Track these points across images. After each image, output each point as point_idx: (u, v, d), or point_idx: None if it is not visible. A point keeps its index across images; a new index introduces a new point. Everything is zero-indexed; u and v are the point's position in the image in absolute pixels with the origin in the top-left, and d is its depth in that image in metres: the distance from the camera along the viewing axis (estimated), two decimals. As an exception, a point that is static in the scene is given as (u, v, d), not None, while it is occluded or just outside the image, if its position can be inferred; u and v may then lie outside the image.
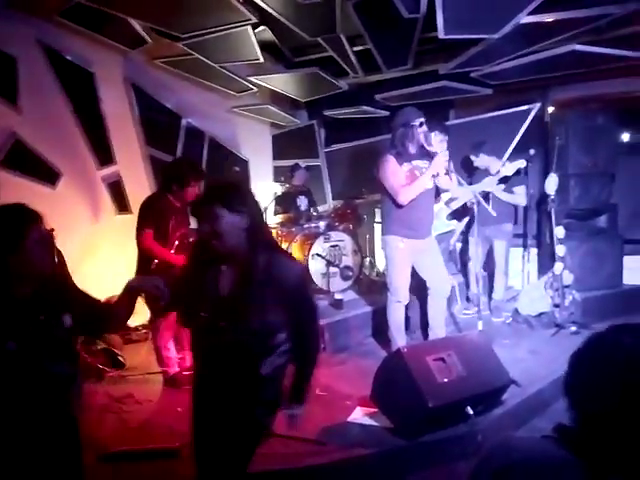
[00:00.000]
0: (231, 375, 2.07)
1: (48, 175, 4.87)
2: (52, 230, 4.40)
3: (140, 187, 5.81)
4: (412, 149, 4.06)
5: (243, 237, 2.01)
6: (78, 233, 5.00)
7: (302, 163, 7.00)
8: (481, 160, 5.38)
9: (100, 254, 5.21)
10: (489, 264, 5.59)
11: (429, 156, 4.13)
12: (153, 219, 3.95)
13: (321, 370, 4.29)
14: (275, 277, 2.02)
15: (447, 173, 4.15)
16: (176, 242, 4.03)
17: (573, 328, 4.96)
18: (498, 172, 5.03)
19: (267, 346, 2.07)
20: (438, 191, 4.52)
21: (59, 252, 4.29)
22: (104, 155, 5.46)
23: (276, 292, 2.01)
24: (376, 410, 3.36)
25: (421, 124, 4.03)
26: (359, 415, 3.47)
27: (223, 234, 1.98)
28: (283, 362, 2.12)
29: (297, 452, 2.97)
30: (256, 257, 2.02)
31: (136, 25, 4.91)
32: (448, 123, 6.49)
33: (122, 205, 5.62)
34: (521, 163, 4.97)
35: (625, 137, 6.18)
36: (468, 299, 5.70)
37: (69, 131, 5.14)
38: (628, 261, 5.71)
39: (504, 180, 5.16)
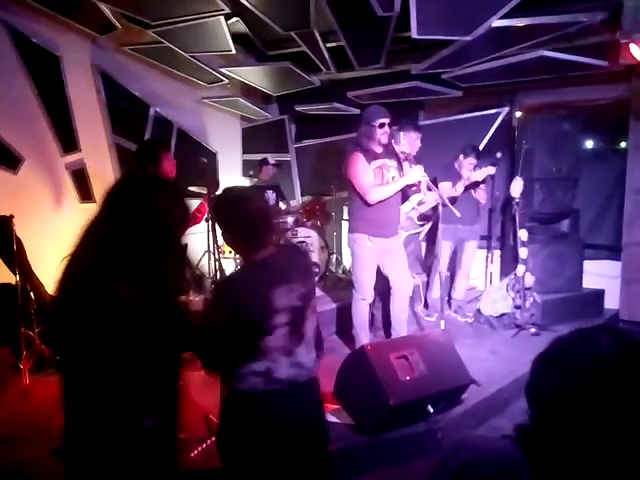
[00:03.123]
0: None
1: (9, 160, 4.74)
2: (12, 216, 4.29)
3: (105, 176, 5.69)
4: (374, 148, 4.07)
5: None
6: (39, 220, 4.87)
7: (271, 159, 6.95)
8: (468, 162, 5.40)
9: (61, 242, 5.06)
10: (453, 264, 5.65)
11: (396, 155, 4.17)
12: None
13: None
14: None
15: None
16: None
17: (533, 330, 5.07)
18: (468, 177, 5.10)
19: None
20: (406, 192, 4.56)
21: (18, 239, 4.19)
22: (68, 142, 5.33)
23: None
24: (338, 407, 3.37)
25: (382, 125, 4.02)
26: (321, 411, 3.47)
27: None
28: None
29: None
30: None
31: (106, 10, 4.79)
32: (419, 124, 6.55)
33: (85, 193, 5.49)
34: (491, 170, 5.05)
35: (589, 144, 6.31)
36: (427, 305, 5.66)
37: (33, 116, 5.00)
38: (588, 265, 5.84)
39: (474, 185, 5.24)
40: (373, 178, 4.05)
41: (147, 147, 4.19)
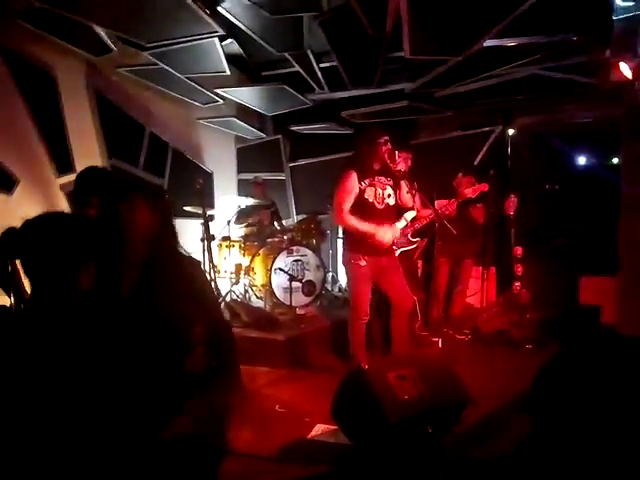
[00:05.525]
0: None
1: (4, 181, 4.73)
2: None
3: (100, 197, 5.69)
4: (376, 166, 4.09)
5: None
6: (33, 242, 4.85)
7: (258, 177, 7.05)
8: (467, 180, 5.42)
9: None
10: (450, 281, 5.65)
11: (391, 173, 4.18)
12: None
13: (281, 386, 4.27)
14: None
15: (409, 191, 4.19)
16: None
17: (529, 346, 5.05)
18: (463, 195, 5.12)
19: None
20: (401, 209, 4.56)
21: (14, 262, 4.15)
22: (63, 163, 5.33)
23: None
24: (336, 427, 3.34)
25: (386, 142, 4.07)
26: (319, 432, 3.44)
27: None
28: None
29: (254, 470, 2.92)
30: None
31: (101, 32, 4.83)
32: (412, 142, 6.60)
33: (81, 214, 5.48)
34: (484, 187, 5.10)
35: (582, 160, 6.36)
36: (427, 323, 5.67)
37: (28, 137, 5.00)
38: (583, 281, 5.84)
39: (471, 203, 5.26)
40: (352, 199, 4.09)
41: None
